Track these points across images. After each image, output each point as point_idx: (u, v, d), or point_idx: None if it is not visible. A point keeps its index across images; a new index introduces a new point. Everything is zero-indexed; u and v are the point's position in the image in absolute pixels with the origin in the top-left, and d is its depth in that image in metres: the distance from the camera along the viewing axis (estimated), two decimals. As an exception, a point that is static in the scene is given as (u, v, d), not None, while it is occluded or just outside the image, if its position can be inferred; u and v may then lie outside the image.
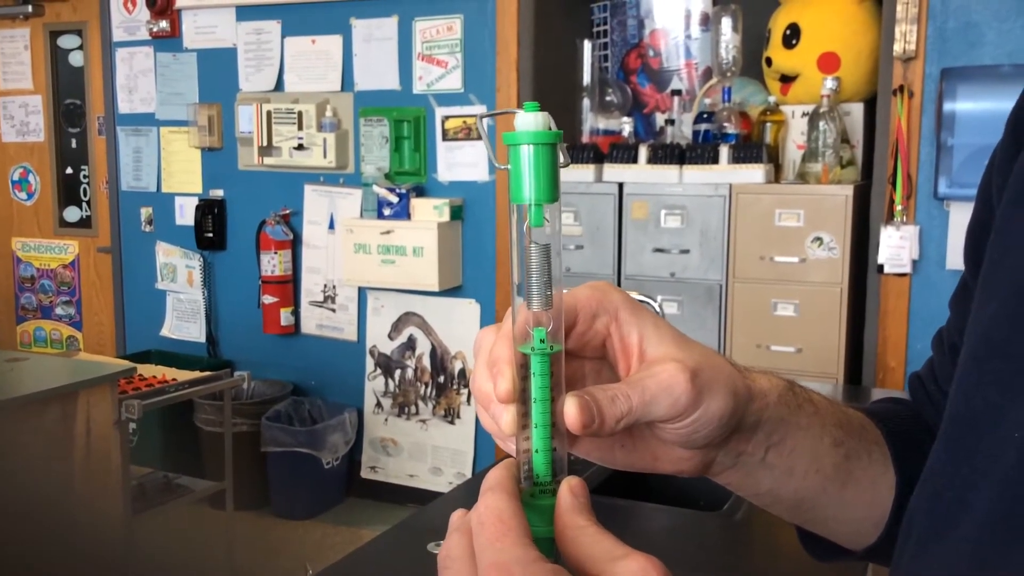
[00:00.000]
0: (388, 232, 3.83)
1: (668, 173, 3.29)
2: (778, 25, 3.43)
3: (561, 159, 0.48)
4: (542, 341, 0.47)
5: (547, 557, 0.44)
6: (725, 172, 3.22)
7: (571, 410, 0.48)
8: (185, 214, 4.46)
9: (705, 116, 3.44)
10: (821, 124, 3.20)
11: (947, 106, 2.97)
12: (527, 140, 0.46)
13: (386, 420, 4.13)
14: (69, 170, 4.97)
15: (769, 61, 3.46)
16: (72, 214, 4.99)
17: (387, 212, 3.87)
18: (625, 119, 3.64)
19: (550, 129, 0.47)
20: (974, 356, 0.53)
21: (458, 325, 3.94)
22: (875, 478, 0.65)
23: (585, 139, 3.71)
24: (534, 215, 0.47)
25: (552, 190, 0.47)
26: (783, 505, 0.64)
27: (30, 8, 4.83)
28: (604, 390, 0.50)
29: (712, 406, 0.53)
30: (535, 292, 0.47)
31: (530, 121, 0.46)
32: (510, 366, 0.48)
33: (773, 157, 3.33)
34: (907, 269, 3.11)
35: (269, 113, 4.10)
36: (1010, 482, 0.47)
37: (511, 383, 0.48)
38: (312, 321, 4.25)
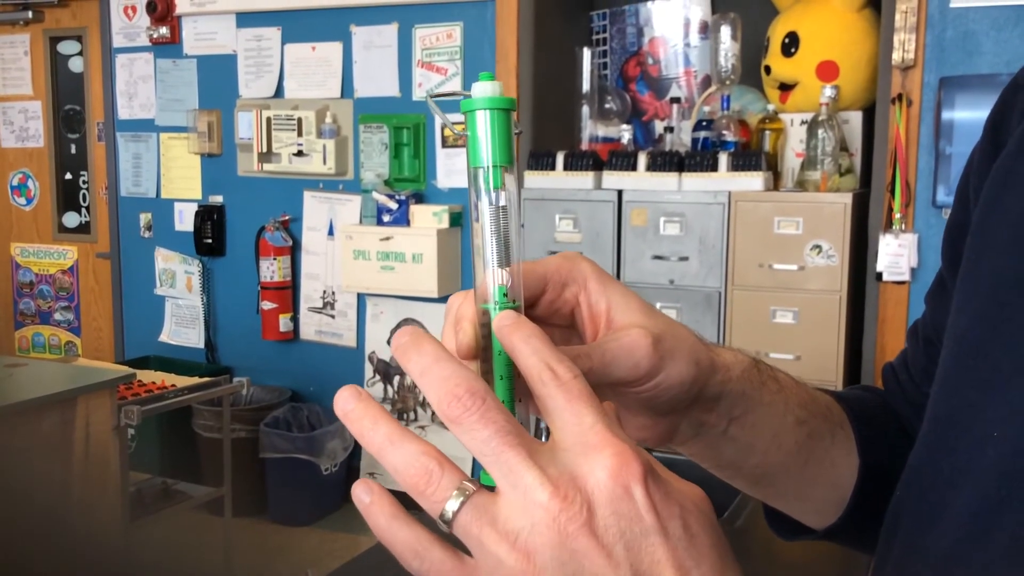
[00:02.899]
0: (387, 238, 3.83)
1: (667, 180, 3.30)
2: (777, 33, 3.44)
3: (515, 128, 0.50)
4: (504, 295, 0.49)
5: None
6: (724, 180, 3.23)
7: None
8: (184, 220, 4.46)
9: (704, 124, 3.45)
10: (820, 132, 3.21)
11: (945, 114, 2.98)
12: (484, 106, 0.49)
13: (385, 426, 4.12)
14: (68, 176, 4.98)
15: (768, 69, 3.47)
16: (71, 220, 4.99)
17: (386, 219, 3.87)
18: (624, 126, 3.65)
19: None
20: (954, 356, 0.54)
21: (457, 332, 3.94)
22: (837, 459, 0.66)
23: (584, 146, 3.72)
24: (493, 176, 0.49)
25: (508, 153, 0.50)
26: (745, 479, 0.65)
27: (30, 14, 4.84)
28: (567, 350, 0.50)
29: (673, 372, 0.53)
30: (495, 252, 0.49)
31: (487, 88, 0.49)
32: (472, 324, 0.50)
33: (772, 165, 3.34)
34: (906, 277, 3.11)
35: (269, 119, 4.10)
36: (989, 479, 0.48)
37: (472, 339, 0.50)
38: (311, 327, 4.25)
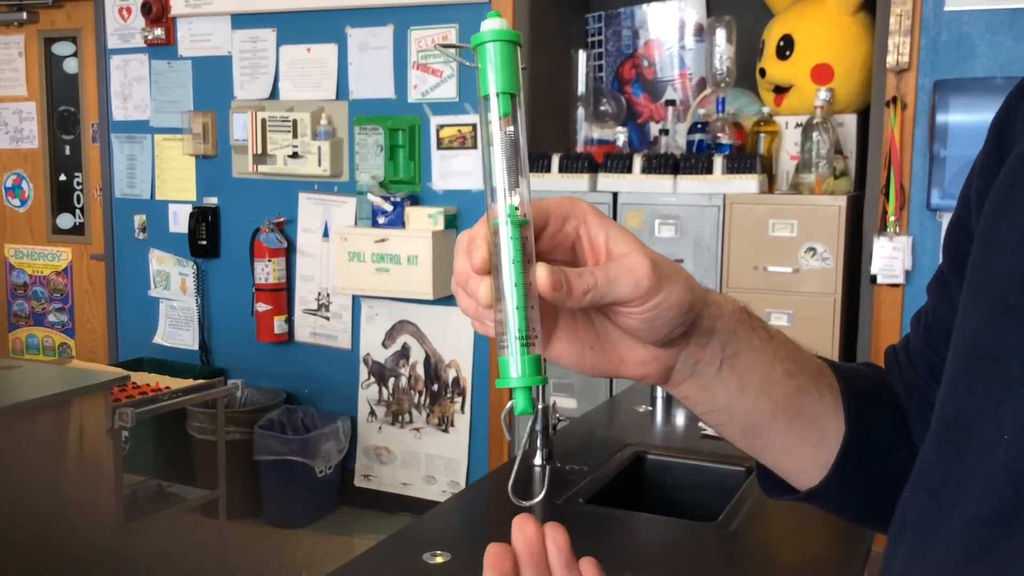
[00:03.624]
0: (382, 240, 3.83)
1: (662, 183, 3.30)
2: (772, 36, 3.45)
3: (520, 63, 0.54)
4: (515, 209, 0.53)
5: (529, 408, 0.53)
6: (719, 182, 3.23)
7: (542, 272, 0.53)
8: (179, 221, 4.46)
9: (699, 126, 3.45)
10: (814, 135, 3.22)
11: (940, 118, 2.99)
12: (493, 38, 0.53)
13: (379, 428, 4.12)
14: (63, 177, 4.97)
15: (763, 72, 3.48)
16: (65, 221, 4.99)
17: (381, 220, 3.87)
18: (619, 129, 3.65)
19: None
20: (962, 359, 0.55)
21: (452, 334, 3.94)
22: (823, 419, 0.68)
23: (579, 148, 3.72)
24: (502, 103, 0.53)
25: (515, 82, 0.54)
26: (736, 426, 0.68)
27: (25, 15, 4.83)
28: (573, 269, 0.55)
29: (672, 294, 0.57)
30: (505, 175, 0.53)
31: (495, 24, 0.53)
32: (485, 241, 0.54)
33: (767, 167, 3.35)
34: (900, 279, 3.12)
35: (264, 121, 4.10)
36: (997, 482, 0.49)
37: (486, 254, 0.54)
38: (306, 329, 4.24)
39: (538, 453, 1.77)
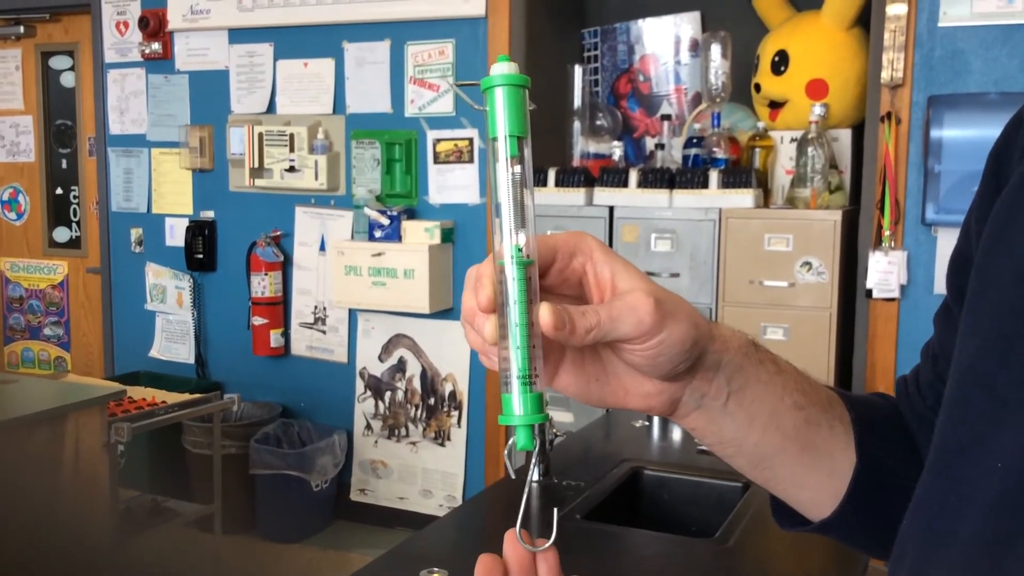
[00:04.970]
0: (379, 254, 3.83)
1: (658, 197, 3.31)
2: (767, 52, 3.47)
3: (528, 105, 0.56)
4: (519, 250, 0.55)
5: (529, 444, 0.54)
6: (715, 196, 3.24)
7: (545, 312, 0.54)
8: (175, 235, 4.46)
9: (695, 141, 3.47)
10: (809, 150, 3.23)
11: (934, 133, 3.01)
12: (502, 82, 0.55)
13: (376, 442, 4.12)
14: (59, 191, 4.97)
15: (758, 87, 3.49)
16: (62, 235, 4.98)
17: (378, 234, 3.88)
18: (615, 143, 3.66)
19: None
20: (960, 387, 0.56)
21: (448, 347, 3.94)
22: (834, 450, 0.68)
23: (575, 163, 3.73)
24: (509, 145, 0.55)
25: (524, 125, 0.56)
26: (745, 458, 0.68)
27: (22, 29, 4.84)
28: (576, 307, 0.56)
29: (675, 331, 0.58)
30: (511, 214, 0.55)
31: (504, 68, 0.55)
32: (491, 280, 0.55)
33: (762, 182, 3.36)
34: (895, 294, 3.13)
35: (261, 135, 4.10)
36: (993, 509, 0.49)
37: (492, 293, 0.55)
38: (302, 343, 4.24)
39: (535, 469, 1.77)
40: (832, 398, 0.70)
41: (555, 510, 0.60)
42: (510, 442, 0.56)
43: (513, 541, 0.57)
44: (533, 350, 0.55)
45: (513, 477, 1.80)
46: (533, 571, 0.57)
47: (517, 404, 0.54)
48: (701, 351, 0.61)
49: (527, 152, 0.56)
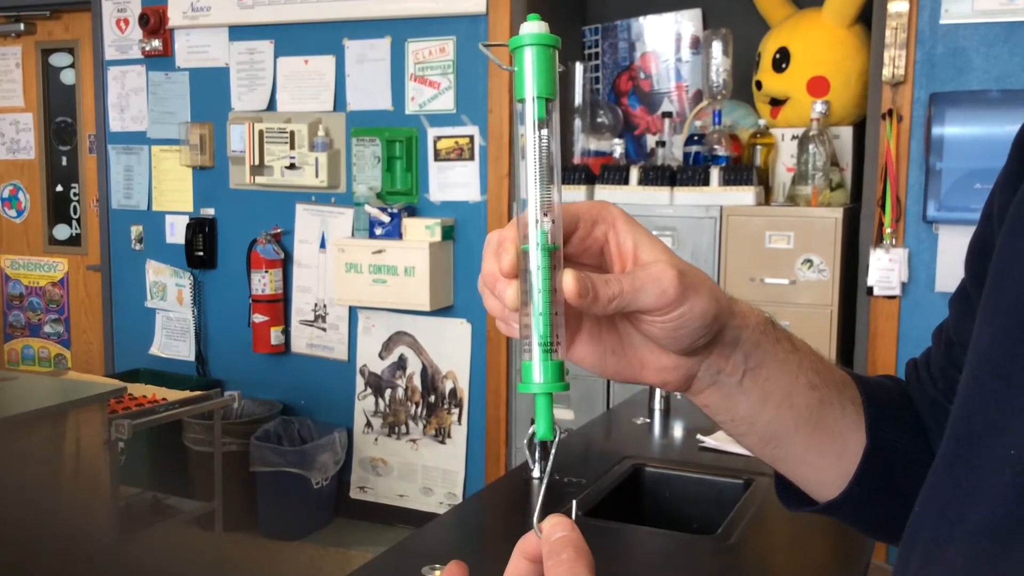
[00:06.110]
0: (379, 251, 3.83)
1: (659, 195, 3.31)
2: (768, 49, 3.46)
3: (558, 67, 0.54)
4: (545, 234, 0.53)
5: (549, 434, 0.52)
6: (716, 194, 3.24)
7: (568, 279, 0.53)
8: (176, 232, 4.46)
9: (696, 138, 3.46)
10: (811, 147, 3.22)
11: (936, 130, 3.00)
12: (531, 42, 0.52)
13: (376, 440, 4.12)
14: (59, 188, 4.97)
15: (759, 84, 3.49)
16: (62, 232, 4.98)
17: (379, 231, 3.87)
18: (616, 140, 3.66)
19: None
20: (975, 375, 0.55)
21: (449, 345, 3.94)
22: (845, 432, 0.68)
23: (576, 160, 3.73)
24: (537, 107, 0.53)
25: (552, 86, 0.53)
26: (756, 436, 0.67)
27: (22, 26, 4.84)
28: (599, 275, 0.55)
29: (697, 304, 0.57)
30: (537, 179, 0.53)
31: (534, 27, 0.52)
32: (514, 245, 0.54)
33: (763, 179, 3.36)
34: (896, 291, 3.12)
35: (261, 132, 4.10)
36: (1004, 497, 0.49)
37: (514, 257, 0.54)
38: (302, 340, 4.24)
39: (536, 465, 1.76)
40: (845, 379, 0.70)
41: (573, 501, 0.58)
42: (529, 431, 0.55)
43: (532, 538, 0.54)
44: (555, 317, 0.53)
45: (532, 467, 1.79)
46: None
47: (537, 371, 0.53)
48: (721, 326, 0.60)
49: (555, 115, 0.54)
